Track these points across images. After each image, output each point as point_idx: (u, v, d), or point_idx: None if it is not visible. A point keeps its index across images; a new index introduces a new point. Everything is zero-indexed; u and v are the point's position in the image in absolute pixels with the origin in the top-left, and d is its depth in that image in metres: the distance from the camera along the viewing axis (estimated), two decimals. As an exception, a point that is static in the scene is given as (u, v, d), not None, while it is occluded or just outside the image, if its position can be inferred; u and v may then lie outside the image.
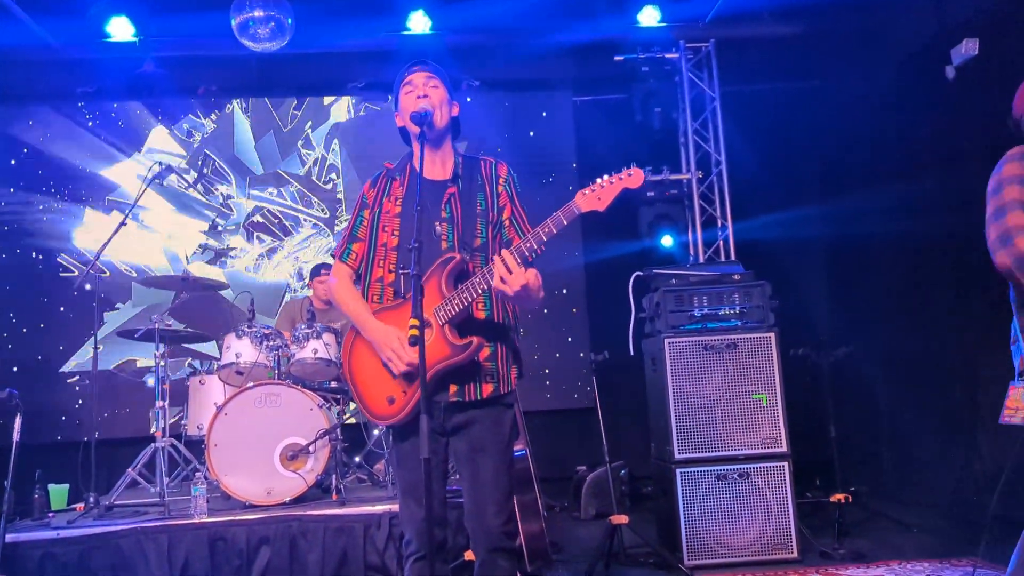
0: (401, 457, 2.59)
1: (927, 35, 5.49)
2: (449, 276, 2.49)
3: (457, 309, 2.45)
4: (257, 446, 4.56)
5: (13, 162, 6.95)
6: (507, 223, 2.66)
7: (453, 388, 2.50)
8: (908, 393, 5.78)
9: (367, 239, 2.67)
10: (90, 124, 7.08)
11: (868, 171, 6.18)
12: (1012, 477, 3.67)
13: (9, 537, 3.82)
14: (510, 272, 2.35)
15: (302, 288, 7.11)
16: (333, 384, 5.39)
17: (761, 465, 4.40)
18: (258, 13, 5.79)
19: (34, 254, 6.92)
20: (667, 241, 6.69)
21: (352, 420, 5.55)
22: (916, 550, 4.50)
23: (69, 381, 6.84)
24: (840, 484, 5.13)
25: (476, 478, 2.52)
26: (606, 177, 2.46)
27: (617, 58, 6.65)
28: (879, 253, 6.09)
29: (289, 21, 5.94)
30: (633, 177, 2.45)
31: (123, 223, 5.26)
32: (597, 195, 2.44)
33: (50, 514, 4.81)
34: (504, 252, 2.39)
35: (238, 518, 4.26)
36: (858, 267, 6.42)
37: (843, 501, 4.71)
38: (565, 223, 2.42)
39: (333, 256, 2.75)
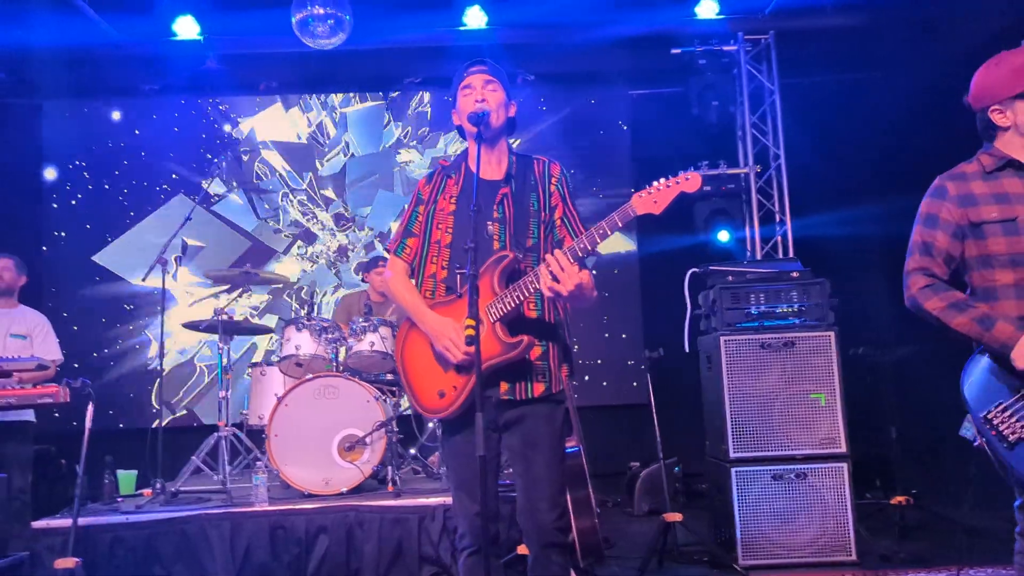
0: (453, 451, 2.63)
1: (996, 25, 5.31)
2: (501, 275, 2.52)
3: (508, 307, 2.48)
4: (316, 437, 4.65)
5: (80, 162, 7.19)
6: (559, 223, 2.68)
7: (504, 386, 2.53)
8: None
9: (421, 235, 2.72)
10: (154, 118, 7.28)
11: (932, 164, 5.97)
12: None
13: (82, 520, 3.96)
14: (563, 271, 2.36)
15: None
16: (389, 376, 5.46)
17: (819, 466, 4.34)
18: (318, 10, 5.87)
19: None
20: (723, 236, 6.63)
21: (409, 412, 5.61)
22: (980, 555, 4.39)
23: (142, 369, 7.06)
24: (901, 486, 5.04)
25: (529, 474, 2.54)
26: (663, 180, 2.44)
27: (674, 51, 6.60)
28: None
29: (348, 18, 6.01)
30: (691, 181, 2.43)
31: (188, 218, 5.40)
32: (653, 198, 2.43)
33: (119, 499, 4.97)
34: (557, 252, 2.40)
35: (297, 507, 4.35)
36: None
37: (904, 503, 4.63)
38: (620, 225, 2.43)
39: (387, 250, 2.81)
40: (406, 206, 2.79)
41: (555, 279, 2.37)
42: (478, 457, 2.21)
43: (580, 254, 2.41)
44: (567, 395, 2.69)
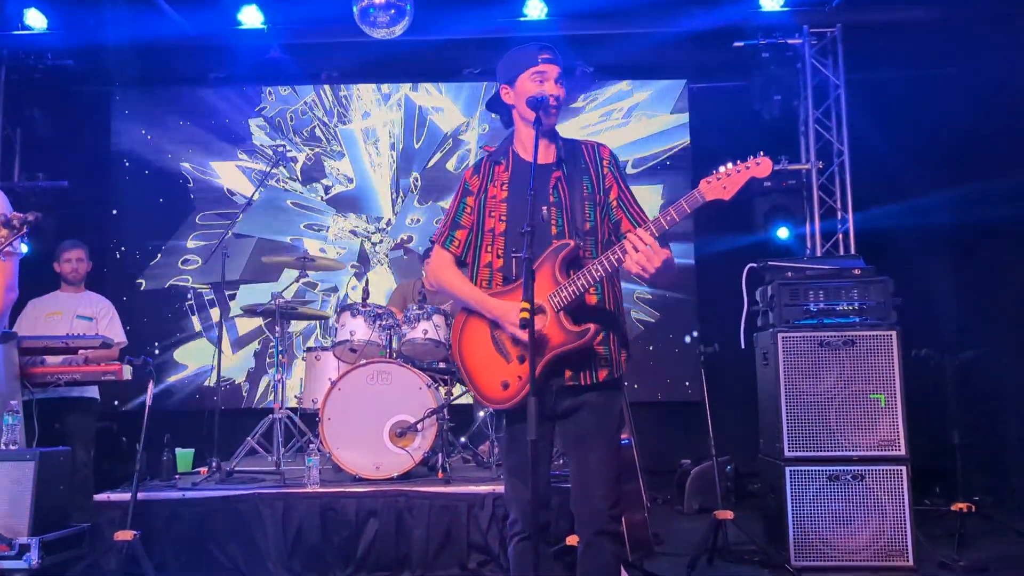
0: (511, 439, 2.62)
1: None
2: (563, 263, 2.50)
3: (573, 296, 2.46)
4: (368, 421, 4.69)
5: (149, 135, 7.37)
6: (615, 204, 2.65)
7: (568, 373, 2.52)
8: (1042, 400, 5.45)
9: (470, 226, 2.69)
10: (221, 106, 7.43)
11: (1003, 162, 5.82)
12: None
13: (141, 495, 4.07)
14: (648, 248, 2.33)
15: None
16: (442, 364, 5.49)
17: (877, 468, 4.23)
18: (379, 0, 5.92)
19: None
20: (783, 233, 6.51)
21: (463, 400, 5.64)
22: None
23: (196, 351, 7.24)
24: (962, 493, 4.89)
25: (585, 460, 2.53)
26: (731, 165, 2.39)
27: (736, 44, 6.50)
28: (1013, 250, 5.73)
29: (408, 7, 6.06)
30: (761, 166, 2.39)
31: (249, 202, 5.50)
32: (723, 184, 2.39)
33: (176, 476, 5.10)
34: (639, 230, 2.37)
35: (348, 490, 4.40)
36: (990, 265, 6.05)
37: (965, 510, 4.49)
38: (689, 211, 2.40)
39: (432, 242, 2.79)
40: (453, 198, 2.75)
41: (640, 254, 2.33)
42: (529, 441, 2.20)
43: (657, 233, 2.38)
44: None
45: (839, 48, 6.50)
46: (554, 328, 2.46)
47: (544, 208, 2.59)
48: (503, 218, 2.63)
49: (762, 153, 2.38)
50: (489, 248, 2.64)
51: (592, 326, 2.45)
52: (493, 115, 2.85)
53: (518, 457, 2.56)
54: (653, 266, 2.34)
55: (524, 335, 2.33)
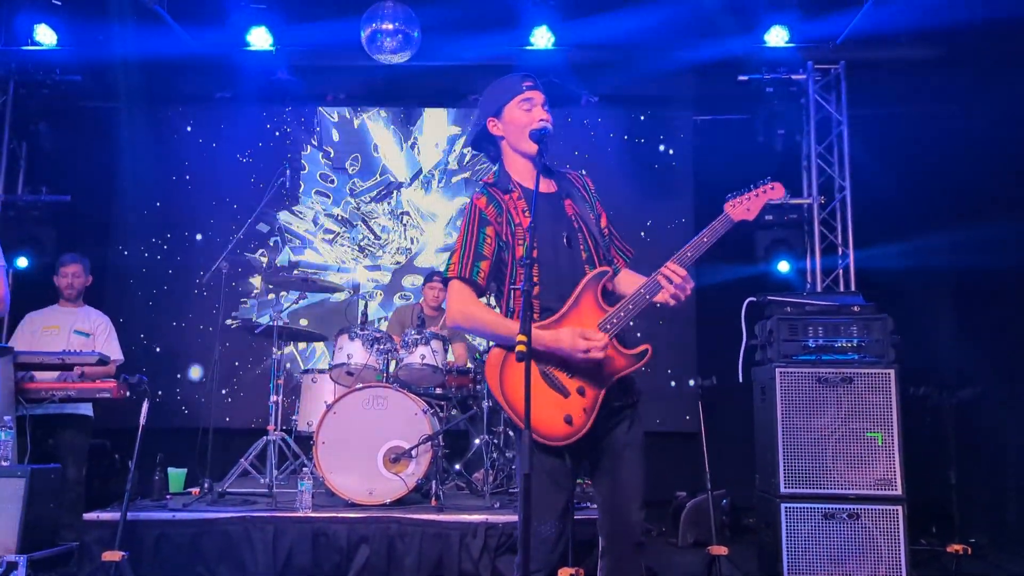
0: (549, 474, 2.50)
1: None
2: (604, 289, 2.53)
3: (624, 321, 2.48)
4: (362, 446, 4.67)
5: (154, 152, 7.39)
6: (605, 231, 2.69)
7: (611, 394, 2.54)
8: (1040, 442, 5.42)
9: (491, 256, 2.59)
10: (222, 127, 7.46)
11: (1005, 202, 5.83)
12: None
13: (130, 515, 4.04)
14: (682, 279, 2.44)
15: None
16: (438, 390, 5.47)
17: (873, 507, 4.20)
18: (387, 26, 5.98)
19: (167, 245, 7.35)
20: (783, 267, 6.51)
21: (452, 427, 5.61)
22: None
23: (192, 370, 7.21)
24: (959, 534, 4.85)
25: (619, 475, 2.53)
26: (751, 190, 2.55)
27: (741, 78, 6.54)
28: (1015, 288, 5.72)
29: (416, 34, 6.10)
30: (775, 190, 2.57)
31: (253, 221, 5.49)
32: (746, 206, 2.54)
33: (168, 496, 5.06)
34: (672, 264, 2.46)
35: (340, 515, 4.37)
36: (990, 304, 6.04)
37: (961, 552, 4.45)
38: (721, 233, 2.51)
39: (449, 275, 2.62)
40: (465, 228, 2.62)
41: (675, 286, 2.44)
42: (523, 475, 2.19)
43: (688, 263, 2.47)
44: None
45: (843, 84, 6.54)
46: (612, 353, 2.48)
47: (565, 236, 2.59)
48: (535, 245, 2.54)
49: (770, 178, 2.56)
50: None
51: (648, 347, 2.50)
52: (477, 154, 2.85)
53: (551, 498, 2.48)
54: (685, 295, 2.46)
55: (596, 352, 2.40)
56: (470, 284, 2.58)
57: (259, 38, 6.59)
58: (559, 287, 2.51)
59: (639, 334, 7.00)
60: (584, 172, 2.78)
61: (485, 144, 2.74)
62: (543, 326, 2.47)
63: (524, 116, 2.62)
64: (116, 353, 5.14)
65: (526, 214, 2.56)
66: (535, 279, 2.45)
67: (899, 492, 4.21)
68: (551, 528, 2.42)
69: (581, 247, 2.59)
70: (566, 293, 2.51)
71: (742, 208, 2.53)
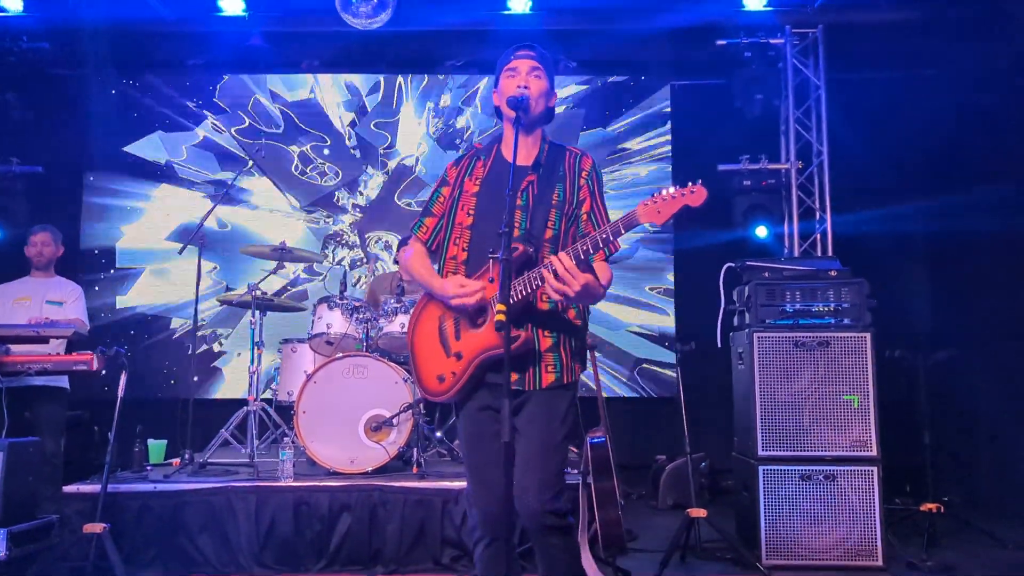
0: (469, 437, 2.63)
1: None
2: (514, 267, 2.46)
3: (521, 301, 2.44)
4: (343, 415, 4.67)
5: (124, 120, 7.27)
6: (585, 217, 2.64)
7: (514, 376, 2.47)
8: (1012, 402, 5.51)
9: (440, 215, 2.72)
10: (196, 100, 7.35)
11: (981, 165, 5.88)
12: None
13: (111, 487, 4.02)
14: (567, 273, 2.32)
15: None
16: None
17: (848, 468, 4.27)
18: (361, -10, 5.87)
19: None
20: (761, 232, 6.54)
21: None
22: (1010, 567, 4.30)
23: (173, 341, 7.17)
24: (932, 493, 4.94)
25: (520, 456, 2.46)
26: (669, 191, 2.35)
27: (719, 43, 6.50)
28: (989, 253, 5.79)
29: (391, -1, 6.01)
30: (695, 195, 2.32)
31: (226, 191, 5.44)
32: (657, 207, 2.34)
33: (148, 467, 5.05)
34: (560, 254, 2.36)
35: (322, 484, 4.38)
36: (965, 267, 6.12)
37: (934, 511, 4.54)
38: (623, 232, 2.37)
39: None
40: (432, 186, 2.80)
41: (560, 280, 2.33)
42: (503, 444, 2.18)
43: (582, 256, 2.36)
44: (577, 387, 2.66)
45: (820, 49, 6.52)
46: (489, 331, 2.46)
47: (507, 209, 2.56)
48: (471, 213, 2.64)
49: (700, 182, 2.33)
50: (456, 241, 2.65)
51: (523, 335, 2.44)
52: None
53: (478, 456, 2.58)
54: (572, 290, 2.33)
55: (469, 301, 2.46)
56: (415, 237, 2.76)
57: (231, 3, 6.42)
58: (485, 259, 2.52)
59: (616, 300, 7.06)
60: (583, 153, 2.71)
61: (500, 117, 2.75)
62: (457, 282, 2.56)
63: (506, 84, 2.65)
64: (83, 318, 5.11)
65: (477, 183, 2.67)
66: (464, 247, 2.61)
67: (874, 453, 4.28)
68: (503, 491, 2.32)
69: (517, 224, 2.53)
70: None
71: (652, 209, 2.33)
